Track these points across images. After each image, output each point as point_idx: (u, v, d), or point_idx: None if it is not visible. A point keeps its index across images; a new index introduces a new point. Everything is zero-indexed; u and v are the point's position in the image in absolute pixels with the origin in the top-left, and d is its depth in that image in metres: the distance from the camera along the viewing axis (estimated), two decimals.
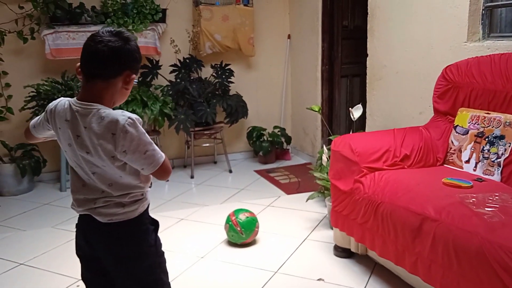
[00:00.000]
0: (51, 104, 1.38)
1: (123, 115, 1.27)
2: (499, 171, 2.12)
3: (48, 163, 4.08)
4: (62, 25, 3.90)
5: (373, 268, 2.39)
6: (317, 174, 3.04)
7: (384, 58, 3.30)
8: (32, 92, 3.79)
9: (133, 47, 1.34)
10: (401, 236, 1.93)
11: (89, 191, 1.35)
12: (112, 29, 1.34)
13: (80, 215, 1.41)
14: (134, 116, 1.29)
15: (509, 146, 2.11)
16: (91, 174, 1.33)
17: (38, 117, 1.46)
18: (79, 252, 1.45)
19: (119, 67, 1.32)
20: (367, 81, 3.54)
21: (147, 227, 1.41)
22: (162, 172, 1.34)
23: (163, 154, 1.34)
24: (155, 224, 1.46)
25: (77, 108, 1.30)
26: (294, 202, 3.46)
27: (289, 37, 4.93)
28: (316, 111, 3.30)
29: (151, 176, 1.39)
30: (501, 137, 2.15)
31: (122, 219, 1.35)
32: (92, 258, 1.42)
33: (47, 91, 3.73)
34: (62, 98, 1.39)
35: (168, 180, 4.13)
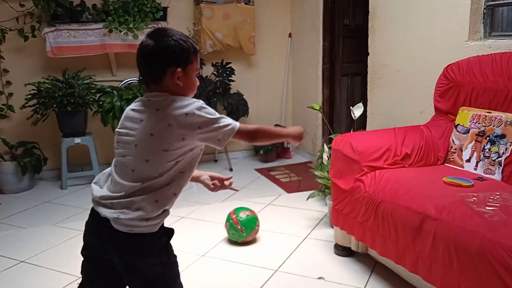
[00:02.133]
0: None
1: (192, 101, 1.32)
2: (500, 170, 2.12)
3: (49, 161, 4.09)
4: (63, 23, 3.90)
5: (374, 266, 2.39)
6: (317, 173, 3.04)
7: (385, 56, 3.29)
8: (33, 90, 3.80)
9: (169, 42, 1.31)
10: (401, 235, 1.93)
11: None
12: (152, 30, 1.37)
13: (92, 212, 1.37)
14: (197, 100, 1.33)
15: (510, 145, 2.11)
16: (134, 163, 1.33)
17: None
18: (86, 251, 1.41)
19: (158, 69, 1.32)
20: (368, 79, 3.53)
21: (160, 240, 1.38)
22: (247, 135, 1.39)
23: (234, 124, 1.34)
24: (168, 233, 1.42)
25: (146, 98, 1.35)
26: (295, 200, 3.46)
27: (290, 35, 4.93)
28: (317, 109, 3.29)
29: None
30: (502, 136, 2.15)
31: (143, 231, 1.31)
32: (98, 257, 1.39)
33: (48, 89, 3.73)
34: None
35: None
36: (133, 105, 1.39)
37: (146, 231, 1.31)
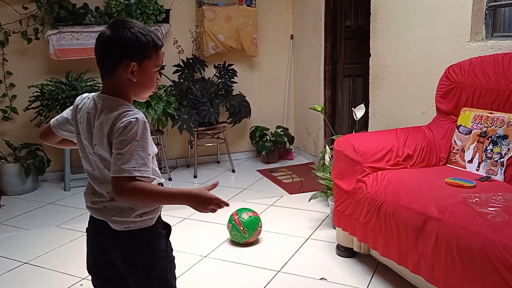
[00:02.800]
0: (78, 98, 1.37)
1: (134, 113, 1.23)
2: (502, 171, 2.12)
3: (52, 162, 4.11)
4: (66, 25, 3.92)
5: (376, 267, 2.39)
6: (319, 174, 3.04)
7: (387, 58, 3.30)
8: (36, 92, 3.81)
9: (125, 33, 1.24)
10: (403, 235, 1.93)
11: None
12: (112, 21, 1.32)
13: (91, 218, 1.38)
14: (142, 117, 1.24)
15: None
16: (97, 172, 1.32)
17: (61, 114, 1.44)
18: (90, 261, 1.42)
19: (111, 59, 1.26)
20: (370, 81, 3.54)
21: (159, 231, 1.38)
22: (119, 189, 1.20)
23: (143, 172, 1.20)
24: (167, 228, 1.43)
25: (98, 99, 1.30)
26: (297, 201, 3.47)
27: (292, 37, 4.94)
28: (319, 111, 3.30)
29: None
30: (504, 137, 2.15)
31: (139, 226, 1.32)
32: (103, 264, 1.39)
33: (51, 91, 3.75)
34: (87, 94, 1.36)
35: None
36: (88, 108, 1.31)
37: (143, 225, 1.32)
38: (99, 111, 1.27)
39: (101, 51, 1.28)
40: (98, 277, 1.44)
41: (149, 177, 1.25)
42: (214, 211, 1.32)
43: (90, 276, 1.45)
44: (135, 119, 1.22)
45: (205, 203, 1.31)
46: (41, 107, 3.79)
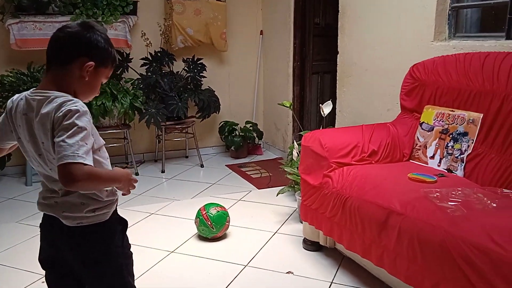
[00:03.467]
0: (9, 101, 1.30)
1: (74, 102, 1.20)
2: (462, 167, 2.20)
3: (12, 156, 3.97)
4: (28, 15, 3.78)
5: (341, 261, 2.44)
6: (287, 169, 3.07)
7: (354, 55, 3.35)
8: None
9: (95, 36, 1.27)
10: (368, 229, 1.97)
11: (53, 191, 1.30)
12: (85, 21, 1.32)
13: (44, 214, 1.35)
14: (83, 106, 1.21)
15: (472, 142, 2.19)
16: (51, 171, 1.27)
17: None
18: (42, 256, 1.39)
19: (73, 51, 1.25)
20: (337, 78, 3.58)
21: (114, 226, 1.36)
22: (65, 176, 1.13)
23: (86, 159, 1.14)
24: (123, 223, 1.41)
25: (32, 97, 1.24)
26: (265, 196, 3.49)
27: (261, 33, 4.94)
28: (287, 106, 3.32)
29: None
30: (465, 134, 2.23)
31: (92, 222, 1.29)
32: (56, 260, 1.36)
33: (12, 82, 3.62)
34: (18, 95, 1.30)
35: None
36: (24, 109, 1.25)
37: (96, 221, 1.31)
38: (36, 109, 1.22)
39: (65, 41, 1.26)
40: (51, 273, 1.41)
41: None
42: (129, 191, 1.34)
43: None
44: (74, 107, 1.18)
45: (130, 184, 1.33)
46: (1, 99, 3.65)
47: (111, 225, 1.35)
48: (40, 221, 1.39)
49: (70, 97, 1.23)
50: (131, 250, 1.43)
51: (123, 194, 1.35)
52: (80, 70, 1.26)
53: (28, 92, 1.27)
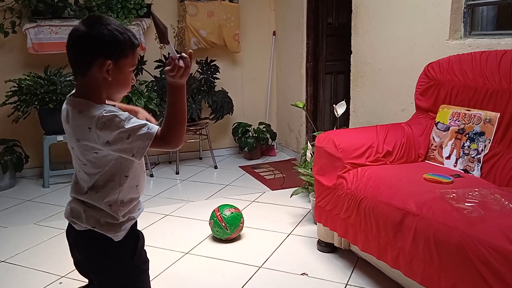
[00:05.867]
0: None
1: (99, 109, 1.19)
2: (479, 167, 2.17)
3: (30, 159, 4.03)
4: (45, 19, 3.84)
5: (356, 262, 2.42)
6: (301, 170, 3.06)
7: (368, 55, 3.33)
8: (14, 87, 3.73)
9: (101, 30, 1.19)
10: (383, 231, 1.96)
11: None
12: (87, 16, 1.26)
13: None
14: (109, 108, 1.21)
15: (489, 142, 2.15)
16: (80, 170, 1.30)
17: None
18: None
19: (86, 57, 1.20)
20: (351, 78, 3.57)
21: (126, 240, 1.34)
22: (161, 142, 1.19)
23: (152, 130, 1.18)
24: (136, 236, 1.38)
25: (68, 103, 1.25)
26: (279, 197, 3.48)
27: (274, 33, 4.94)
28: (300, 107, 3.31)
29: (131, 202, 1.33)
30: (481, 134, 2.19)
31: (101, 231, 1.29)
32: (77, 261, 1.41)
33: (29, 86, 3.68)
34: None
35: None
36: (63, 116, 1.27)
37: (104, 232, 1.32)
38: (71, 117, 1.22)
39: (75, 48, 1.22)
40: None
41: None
42: (185, 71, 1.20)
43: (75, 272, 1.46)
44: (105, 111, 1.19)
45: (179, 70, 1.19)
46: (18, 102, 3.71)
47: (122, 243, 1.33)
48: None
49: (96, 106, 1.21)
50: (145, 264, 1.40)
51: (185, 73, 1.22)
52: (101, 72, 1.21)
53: (68, 97, 1.28)
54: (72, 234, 1.35)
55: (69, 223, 1.35)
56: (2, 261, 2.54)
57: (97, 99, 1.24)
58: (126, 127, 1.17)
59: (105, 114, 1.18)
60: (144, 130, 1.18)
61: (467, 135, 2.26)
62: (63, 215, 1.38)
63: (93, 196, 1.27)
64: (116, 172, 1.27)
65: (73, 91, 1.29)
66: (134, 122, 1.19)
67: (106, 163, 1.25)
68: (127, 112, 1.23)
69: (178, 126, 1.21)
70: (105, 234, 1.29)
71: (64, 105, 1.28)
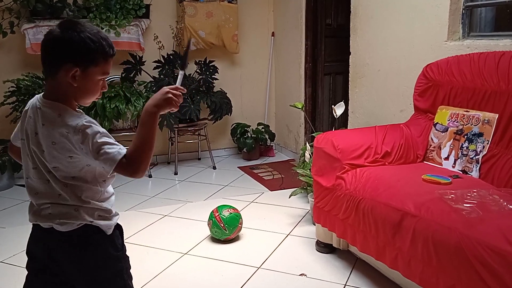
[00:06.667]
0: (28, 103, 1.31)
1: (79, 118, 1.22)
2: (478, 168, 2.17)
3: None
4: (43, 19, 3.84)
5: (355, 263, 2.42)
6: (300, 171, 3.06)
7: (367, 56, 3.33)
8: (12, 87, 3.73)
9: (72, 36, 1.19)
10: (381, 231, 1.96)
11: (44, 196, 1.28)
12: (64, 20, 1.26)
13: (34, 225, 1.32)
14: (89, 118, 1.23)
15: (487, 143, 2.16)
16: (47, 174, 1.25)
17: None
18: (33, 264, 1.35)
19: (55, 60, 1.21)
20: (349, 79, 3.57)
21: (114, 231, 1.34)
22: (126, 168, 1.18)
23: (122, 150, 1.19)
24: (119, 228, 1.39)
25: (39, 105, 1.24)
26: (277, 198, 3.48)
27: (273, 34, 4.94)
28: (299, 108, 3.32)
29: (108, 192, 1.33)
30: (480, 135, 2.20)
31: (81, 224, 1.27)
32: (49, 270, 1.33)
33: (28, 86, 3.68)
34: (37, 96, 1.30)
35: (150, 176, 4.12)
36: (33, 112, 1.26)
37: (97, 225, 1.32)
38: (41, 119, 1.23)
39: (46, 50, 1.22)
40: (38, 280, 1.36)
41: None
42: (177, 104, 1.28)
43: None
44: (84, 122, 1.21)
45: (164, 99, 1.25)
46: (17, 103, 3.71)
47: (112, 234, 1.34)
48: (31, 232, 1.37)
49: (73, 114, 1.23)
50: (127, 254, 1.41)
51: (170, 109, 1.28)
52: (66, 77, 1.21)
53: (39, 96, 1.27)
54: (50, 239, 1.29)
55: (38, 232, 1.31)
56: (0, 262, 2.53)
57: (67, 102, 1.24)
58: (99, 140, 1.18)
59: (85, 123, 1.20)
60: (115, 148, 1.19)
61: (465, 136, 2.26)
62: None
63: (77, 198, 1.26)
64: (92, 178, 1.28)
65: (42, 93, 1.28)
66: (109, 138, 1.21)
67: (79, 168, 1.25)
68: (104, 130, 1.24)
69: (148, 154, 1.22)
70: (99, 228, 1.29)
71: (33, 106, 1.27)
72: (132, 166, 1.19)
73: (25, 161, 1.31)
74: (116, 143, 1.22)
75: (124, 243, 1.42)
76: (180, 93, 1.28)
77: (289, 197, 3.17)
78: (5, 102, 3.72)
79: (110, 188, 1.37)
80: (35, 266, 1.35)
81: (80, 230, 1.27)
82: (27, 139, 1.27)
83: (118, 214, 1.37)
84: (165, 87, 1.27)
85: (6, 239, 2.82)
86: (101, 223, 1.30)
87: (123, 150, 1.20)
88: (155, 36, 4.30)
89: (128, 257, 1.42)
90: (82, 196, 1.27)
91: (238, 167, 4.45)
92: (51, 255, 1.30)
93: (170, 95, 1.26)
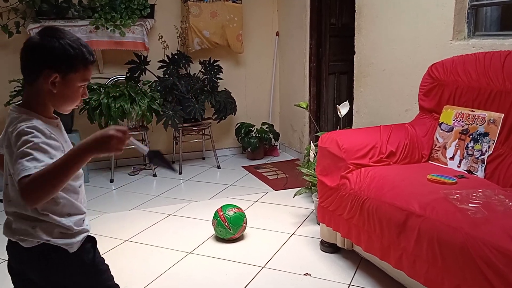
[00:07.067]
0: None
1: (29, 121, 1.16)
2: (483, 168, 2.16)
3: None
4: (49, 19, 3.85)
5: (359, 263, 2.42)
6: (304, 170, 3.06)
7: (371, 55, 3.33)
8: (18, 87, 3.75)
9: (52, 43, 1.18)
10: (386, 231, 1.95)
11: (13, 203, 1.22)
12: (44, 27, 1.25)
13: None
14: (38, 126, 1.16)
15: (493, 143, 2.15)
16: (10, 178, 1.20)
17: None
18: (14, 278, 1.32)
19: (34, 67, 1.20)
20: (354, 78, 3.56)
21: (83, 246, 1.29)
22: (22, 188, 1.06)
23: (33, 170, 1.06)
24: (91, 240, 1.34)
25: (10, 111, 1.23)
26: (282, 198, 3.48)
27: (277, 34, 4.94)
28: (303, 107, 3.31)
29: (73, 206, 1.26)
30: (485, 135, 2.19)
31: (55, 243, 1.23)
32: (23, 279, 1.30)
33: None
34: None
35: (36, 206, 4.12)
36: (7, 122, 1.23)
37: (58, 244, 1.26)
38: (7, 124, 1.20)
39: (25, 56, 1.22)
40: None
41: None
42: (120, 148, 1.12)
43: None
44: (30, 125, 1.15)
45: (104, 142, 1.10)
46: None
47: (78, 251, 1.28)
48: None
49: (29, 118, 1.18)
50: (105, 263, 1.37)
51: (109, 153, 1.16)
52: (46, 83, 1.19)
53: (14, 105, 1.25)
54: (19, 255, 1.26)
55: (11, 246, 1.27)
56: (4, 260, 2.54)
57: (42, 109, 1.23)
58: (25, 150, 1.10)
59: (26, 128, 1.14)
60: (32, 164, 1.07)
61: (471, 136, 2.25)
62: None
63: (36, 210, 1.20)
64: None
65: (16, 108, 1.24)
66: (40, 154, 1.10)
67: None
68: (55, 143, 1.17)
69: (49, 187, 1.07)
70: (60, 246, 1.23)
71: (9, 113, 1.24)
72: (26, 189, 1.05)
73: (6, 168, 1.26)
74: (44, 161, 1.09)
75: (100, 255, 1.37)
76: (126, 137, 1.12)
77: (294, 196, 3.17)
78: (10, 102, 3.74)
79: (78, 205, 1.29)
80: (15, 280, 1.33)
81: (40, 247, 1.22)
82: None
83: (86, 231, 1.31)
84: (111, 128, 1.12)
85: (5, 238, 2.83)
86: (60, 242, 1.23)
87: (35, 170, 1.06)
88: (159, 36, 4.30)
89: (107, 269, 1.37)
90: (38, 208, 1.19)
91: (242, 166, 4.46)
92: (21, 266, 1.28)
93: (114, 141, 1.10)
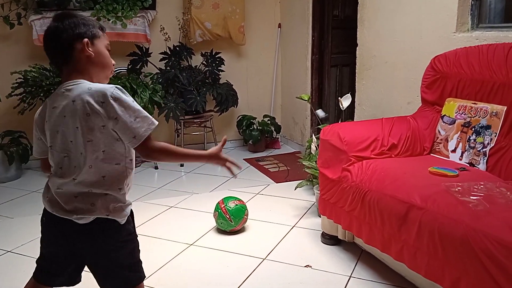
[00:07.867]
0: (36, 114, 1.43)
1: (109, 85, 1.31)
2: (485, 161, 2.16)
3: None
4: (50, 10, 3.84)
5: (360, 255, 2.42)
6: (306, 163, 3.06)
7: (374, 48, 3.31)
8: (20, 78, 3.75)
9: (71, 19, 1.34)
10: (387, 223, 1.96)
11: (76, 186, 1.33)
12: (57, 14, 1.38)
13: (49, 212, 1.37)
14: (118, 86, 1.32)
15: (495, 136, 2.14)
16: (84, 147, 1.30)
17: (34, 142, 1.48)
18: (51, 249, 1.43)
19: (65, 44, 1.33)
20: (356, 70, 3.55)
21: (128, 218, 1.42)
22: (153, 150, 1.37)
23: (152, 125, 1.35)
24: (131, 213, 1.47)
25: (64, 88, 1.33)
26: (283, 190, 3.49)
27: (279, 26, 4.92)
28: (305, 100, 3.31)
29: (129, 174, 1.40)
30: (487, 127, 2.18)
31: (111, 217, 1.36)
32: (68, 255, 1.41)
33: (35, 77, 3.69)
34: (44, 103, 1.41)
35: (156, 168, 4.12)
36: (52, 103, 1.36)
37: (114, 217, 1.40)
38: (80, 95, 1.29)
39: (53, 40, 1.34)
40: (52, 262, 1.45)
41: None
42: (224, 165, 1.58)
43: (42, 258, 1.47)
44: (113, 88, 1.29)
45: (220, 162, 1.57)
46: (24, 94, 3.73)
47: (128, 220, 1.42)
48: (45, 220, 1.43)
49: (104, 84, 1.35)
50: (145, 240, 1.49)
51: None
52: (82, 52, 1.33)
53: (52, 95, 1.37)
54: (72, 231, 1.35)
55: (60, 224, 1.35)
56: (8, 251, 2.56)
57: (87, 78, 1.35)
58: (136, 107, 1.30)
59: (115, 90, 1.29)
60: (150, 120, 1.34)
61: (473, 129, 2.24)
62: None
63: (102, 184, 1.32)
64: (121, 156, 1.35)
65: (65, 83, 1.35)
66: (138, 105, 1.33)
67: (111, 143, 1.32)
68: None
69: (172, 159, 1.48)
70: (115, 219, 1.35)
71: (51, 98, 1.36)
72: (154, 151, 1.38)
73: (59, 161, 1.34)
74: (149, 116, 1.35)
75: (135, 224, 1.48)
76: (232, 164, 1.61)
77: (295, 189, 3.17)
78: (12, 94, 3.74)
79: (130, 180, 1.43)
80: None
81: (95, 222, 1.33)
82: (56, 133, 1.33)
83: (130, 204, 1.44)
84: (228, 158, 1.63)
85: (14, 229, 2.85)
86: (116, 215, 1.36)
87: (153, 126, 1.35)
88: (161, 28, 4.29)
89: (137, 235, 1.49)
90: (106, 176, 1.32)
91: (244, 159, 4.46)
92: (69, 241, 1.37)
93: (225, 163, 1.63)
